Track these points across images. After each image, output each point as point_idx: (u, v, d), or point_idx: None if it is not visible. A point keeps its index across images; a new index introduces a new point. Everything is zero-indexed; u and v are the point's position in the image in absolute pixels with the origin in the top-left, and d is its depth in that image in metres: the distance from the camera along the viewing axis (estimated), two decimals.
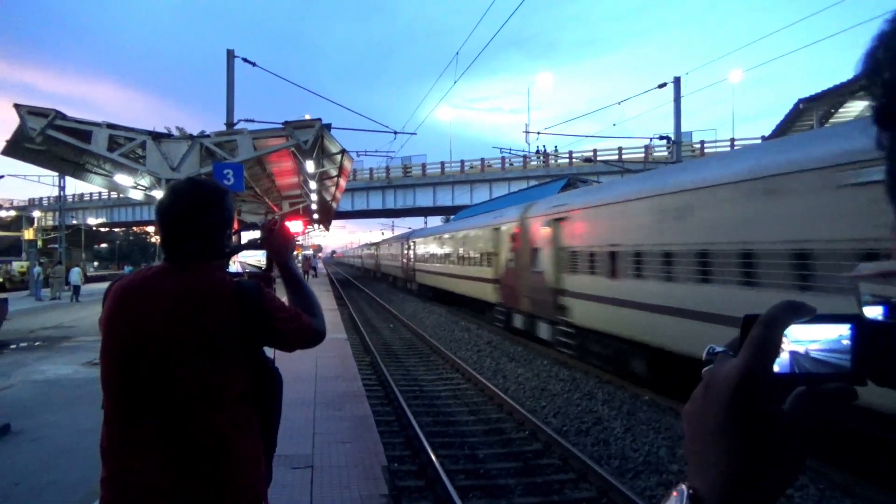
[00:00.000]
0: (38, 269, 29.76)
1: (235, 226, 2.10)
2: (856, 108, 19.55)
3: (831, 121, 19.68)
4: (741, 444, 0.50)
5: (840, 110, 19.71)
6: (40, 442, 6.48)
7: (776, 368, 0.51)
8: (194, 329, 1.75)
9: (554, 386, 10.94)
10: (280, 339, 1.93)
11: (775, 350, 0.50)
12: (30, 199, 70.18)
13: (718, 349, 0.55)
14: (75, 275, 27.48)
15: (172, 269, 1.85)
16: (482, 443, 8.06)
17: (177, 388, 1.73)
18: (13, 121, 13.66)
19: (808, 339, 0.51)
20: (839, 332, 0.50)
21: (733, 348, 0.53)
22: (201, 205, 1.89)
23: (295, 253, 2.33)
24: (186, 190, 1.92)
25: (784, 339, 0.50)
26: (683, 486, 0.52)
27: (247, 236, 2.26)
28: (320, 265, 69.00)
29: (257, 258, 2.24)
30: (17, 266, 43.52)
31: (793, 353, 0.51)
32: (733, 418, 0.50)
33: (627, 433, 8.10)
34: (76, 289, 26.66)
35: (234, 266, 2.22)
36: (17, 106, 13.43)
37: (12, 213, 59.56)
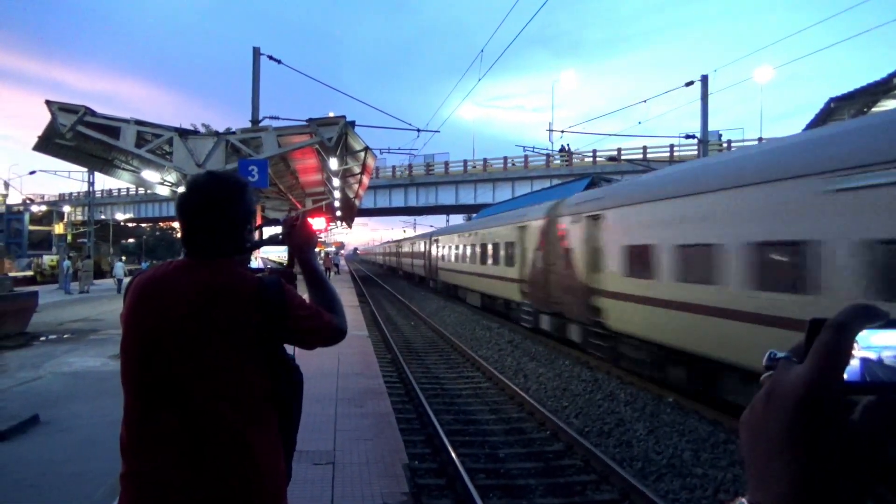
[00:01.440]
0: (67, 262, 30.37)
1: (258, 221, 2.08)
2: (888, 107, 19.07)
3: None
4: (808, 456, 0.46)
5: (873, 109, 19.24)
6: (68, 433, 6.58)
7: (845, 376, 0.46)
8: (212, 324, 1.74)
9: (576, 386, 10.84)
10: (300, 337, 1.91)
11: (846, 357, 0.46)
12: (60, 195, 71.68)
13: (780, 355, 0.50)
14: (119, 268, 29.28)
15: (192, 264, 1.84)
16: (503, 442, 8.02)
17: (194, 384, 1.71)
18: (45, 117, 13.94)
19: (881, 345, 0.46)
20: None
21: (797, 354, 0.49)
22: (221, 199, 1.87)
23: (317, 250, 2.30)
24: (206, 184, 1.91)
25: (855, 345, 0.46)
26: (743, 500, 0.48)
27: (269, 232, 2.25)
28: (342, 262, 69.43)
29: (279, 254, 2.22)
30: (48, 259, 44.47)
31: (864, 361, 0.46)
32: (800, 429, 0.46)
33: (650, 435, 8.00)
34: (121, 282, 27.66)
35: (257, 262, 2.20)
36: (48, 102, 13.70)
37: (43, 207, 60.88)
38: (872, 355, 0.47)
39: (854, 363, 0.46)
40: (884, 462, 0.46)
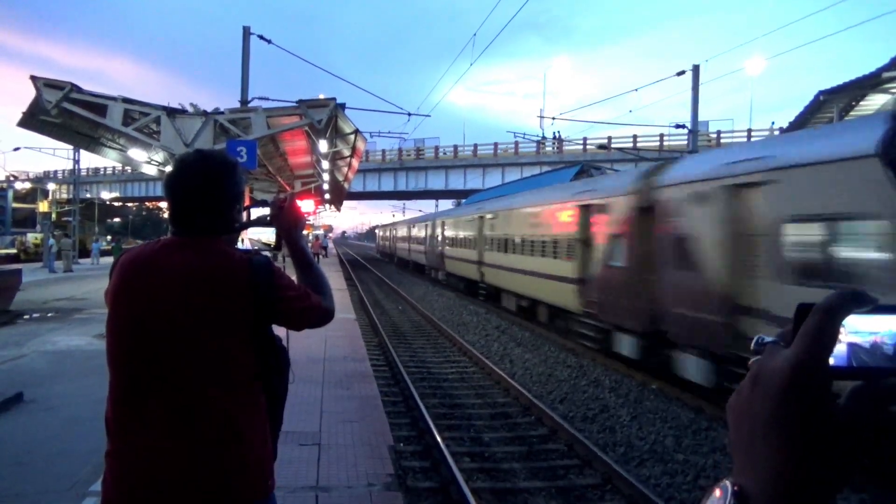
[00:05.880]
0: (52, 241, 30.05)
1: (247, 202, 2.07)
2: (877, 101, 19.18)
3: (852, 113, 19.34)
4: (793, 441, 0.46)
5: (861, 103, 19.35)
6: (52, 411, 6.56)
7: (832, 361, 0.47)
8: (201, 304, 1.73)
9: (561, 372, 10.93)
10: (288, 318, 1.91)
11: (832, 342, 0.46)
12: (45, 172, 70.59)
13: (768, 339, 0.51)
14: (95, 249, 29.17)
15: (181, 243, 1.82)
16: (488, 426, 8.08)
17: (183, 365, 1.71)
18: (30, 93, 13.70)
19: (868, 330, 0.47)
20: None
21: (785, 339, 0.49)
22: (210, 177, 1.86)
23: (305, 232, 2.30)
24: (196, 162, 1.89)
25: (842, 330, 0.46)
26: (727, 483, 0.49)
27: (257, 213, 2.23)
28: (331, 246, 69.19)
29: (267, 236, 2.21)
30: (32, 238, 43.93)
31: (851, 346, 0.47)
32: (785, 414, 0.47)
33: (634, 421, 8.09)
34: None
35: (245, 243, 2.20)
36: (33, 78, 13.45)
37: (27, 185, 59.98)
38: (859, 340, 0.47)
39: (841, 348, 0.47)
40: (868, 447, 0.47)
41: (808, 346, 0.46)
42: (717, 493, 0.49)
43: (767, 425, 0.47)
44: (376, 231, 70.22)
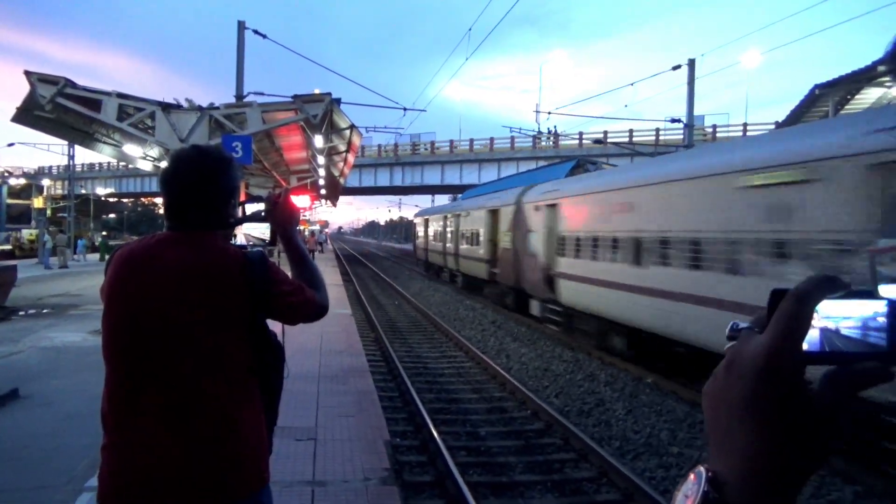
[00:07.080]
0: (47, 237, 29.94)
1: (242, 197, 2.08)
2: (872, 94, 19.21)
3: (847, 108, 19.37)
4: (767, 426, 0.47)
5: (857, 97, 19.38)
6: (48, 407, 6.55)
7: (805, 346, 0.47)
8: (197, 300, 1.73)
9: (557, 367, 10.96)
10: (282, 312, 1.91)
11: (806, 327, 0.47)
12: (39, 168, 70.25)
13: (742, 325, 0.52)
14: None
15: (176, 238, 1.83)
16: (484, 421, 8.10)
17: (178, 359, 1.71)
18: (24, 87, 13.63)
19: (840, 315, 0.48)
20: (874, 309, 0.47)
21: (759, 324, 0.50)
22: (206, 173, 1.86)
23: (301, 228, 2.30)
24: (192, 157, 1.89)
25: (815, 316, 0.47)
26: (702, 469, 0.49)
27: (251, 208, 2.24)
28: (328, 242, 69.10)
29: (261, 231, 2.22)
30: (27, 234, 43.75)
31: (823, 331, 0.48)
32: (759, 399, 0.47)
33: (629, 415, 8.13)
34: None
35: (239, 238, 2.20)
36: (27, 73, 13.37)
37: (22, 180, 59.68)
38: (832, 325, 0.48)
39: (814, 333, 0.48)
40: (841, 431, 0.48)
41: (781, 331, 0.47)
42: (692, 477, 0.50)
43: (741, 410, 0.48)
44: (417, 222, 37.73)
